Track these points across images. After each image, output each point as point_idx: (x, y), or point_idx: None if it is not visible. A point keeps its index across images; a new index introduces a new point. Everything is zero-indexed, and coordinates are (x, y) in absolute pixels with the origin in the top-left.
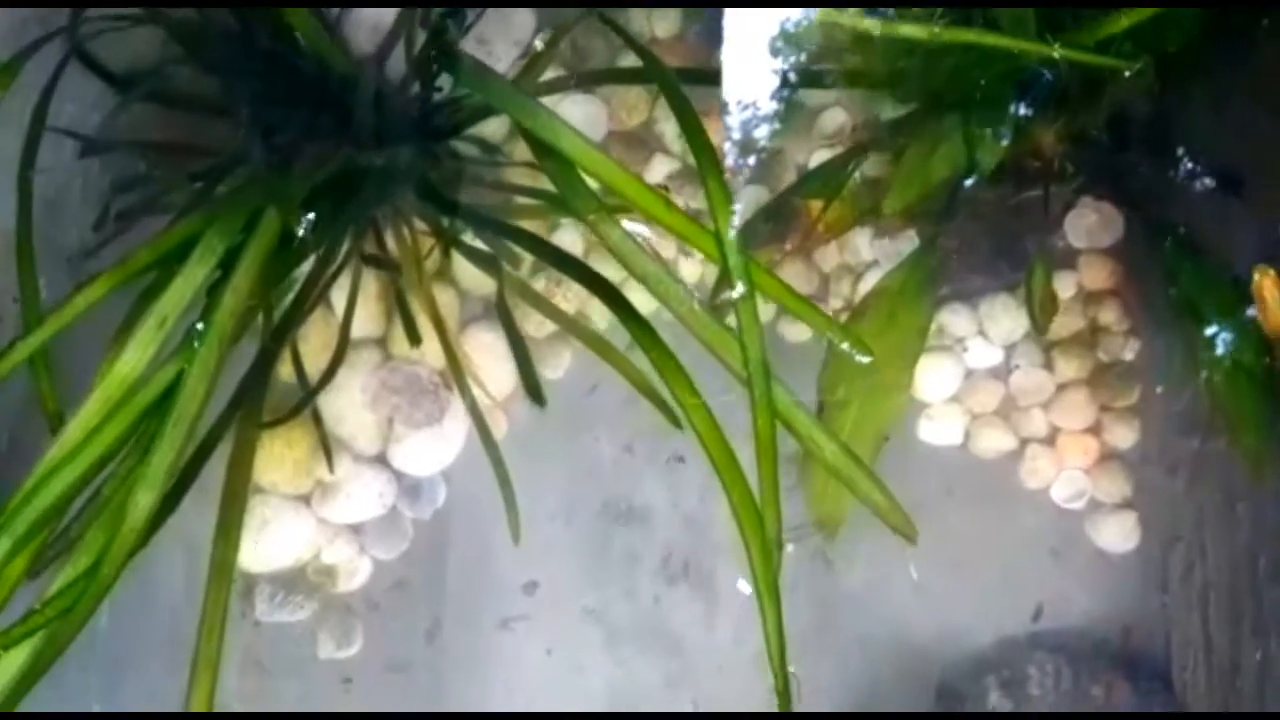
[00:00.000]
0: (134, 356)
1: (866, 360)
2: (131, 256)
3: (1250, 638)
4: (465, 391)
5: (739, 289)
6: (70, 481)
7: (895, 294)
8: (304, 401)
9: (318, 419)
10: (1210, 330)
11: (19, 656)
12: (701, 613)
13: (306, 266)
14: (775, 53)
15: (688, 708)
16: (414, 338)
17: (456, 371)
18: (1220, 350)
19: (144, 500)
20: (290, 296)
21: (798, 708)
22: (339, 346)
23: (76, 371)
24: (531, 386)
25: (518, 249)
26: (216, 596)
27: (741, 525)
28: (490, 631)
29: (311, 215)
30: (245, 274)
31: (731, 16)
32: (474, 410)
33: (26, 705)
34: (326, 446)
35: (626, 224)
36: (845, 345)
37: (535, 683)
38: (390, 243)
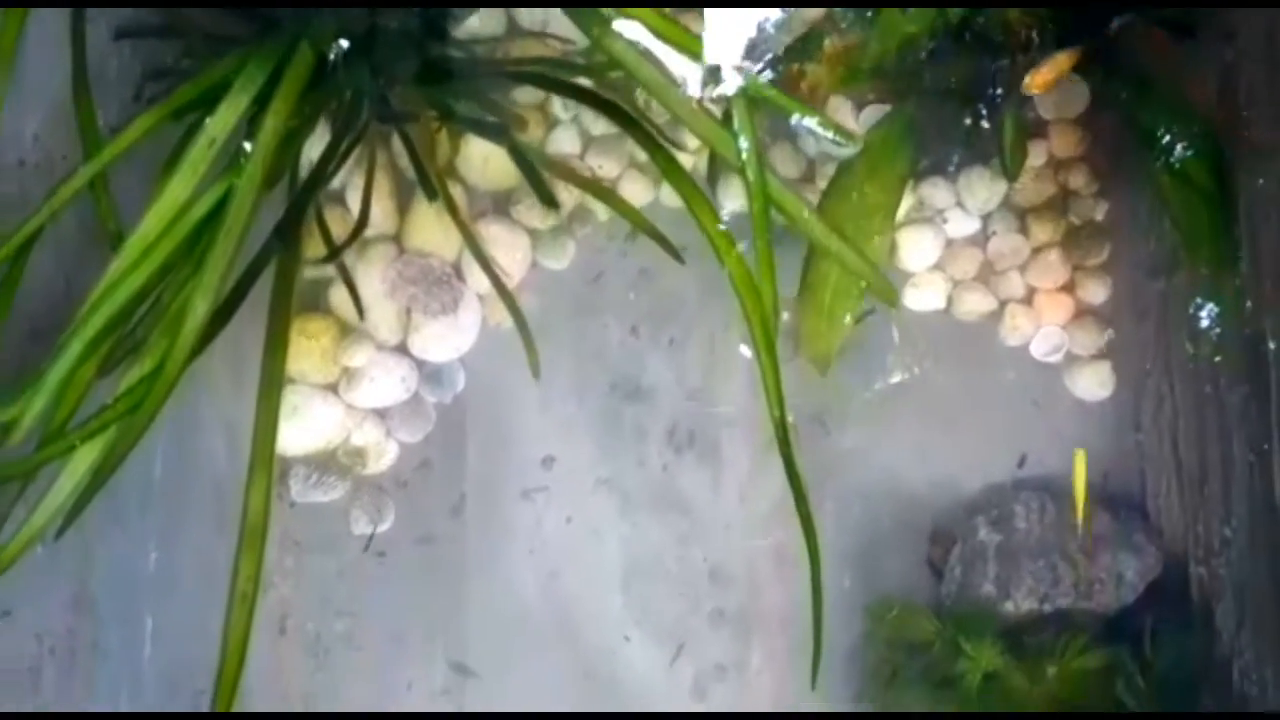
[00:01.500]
0: (186, 175)
1: (852, 150)
2: (179, 91)
3: (1215, 443)
4: (481, 260)
5: (730, 82)
6: (133, 291)
7: (876, 148)
8: (339, 250)
9: (350, 286)
10: (1165, 153)
11: (93, 452)
12: (708, 478)
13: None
14: None
15: (699, 564)
16: (431, 192)
17: (472, 245)
18: (1174, 164)
19: (201, 306)
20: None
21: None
22: (364, 204)
23: (130, 204)
24: (545, 197)
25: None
26: (268, 404)
27: (743, 300)
28: (512, 503)
29: (344, 42)
30: (284, 98)
31: None
32: (488, 269)
33: (96, 532)
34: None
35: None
36: (830, 135)
37: (556, 548)
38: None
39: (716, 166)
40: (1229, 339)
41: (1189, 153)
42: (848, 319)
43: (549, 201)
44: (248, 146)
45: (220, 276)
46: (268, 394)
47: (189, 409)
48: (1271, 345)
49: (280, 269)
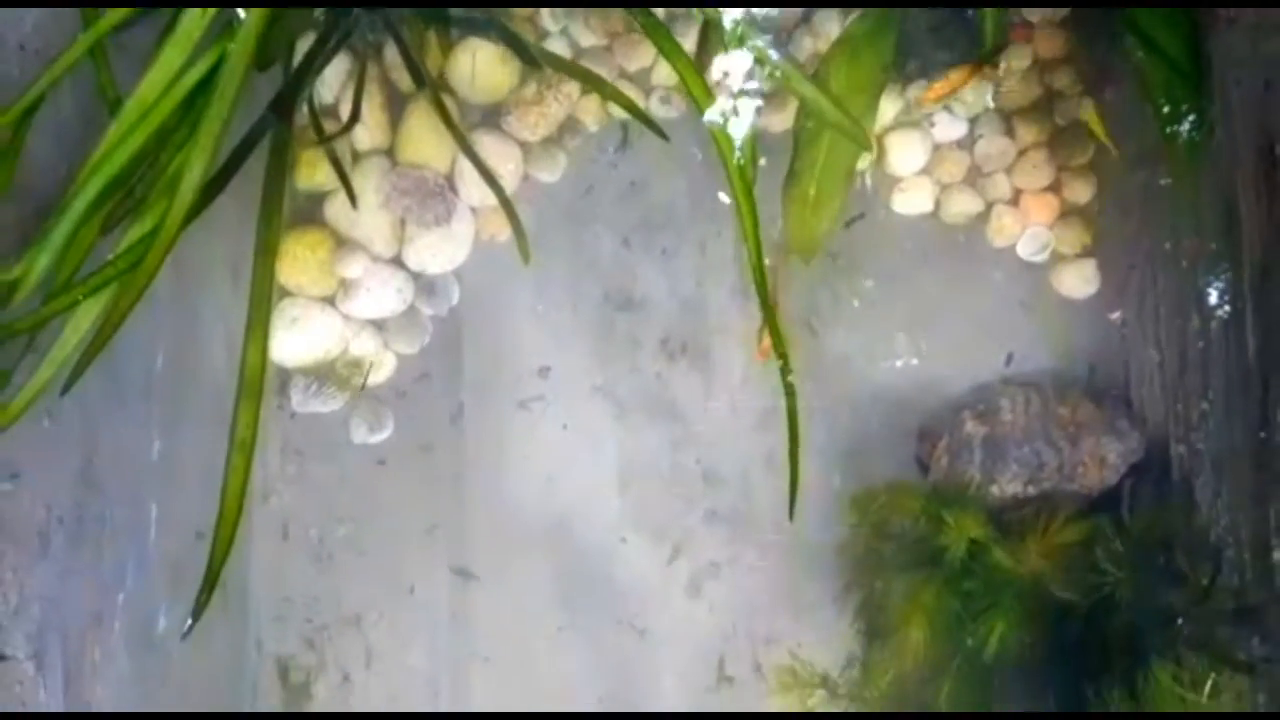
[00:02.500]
0: (181, 42)
1: None
2: None
3: (1196, 331)
4: (477, 163)
5: None
6: (131, 153)
7: (857, 36)
8: (333, 136)
9: (342, 176)
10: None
11: (95, 306)
12: (700, 384)
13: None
14: None
15: (692, 468)
16: (420, 81)
17: (466, 149)
18: (1149, 38)
19: (197, 167)
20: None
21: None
22: (355, 101)
23: (129, 84)
24: (528, 59)
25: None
26: (264, 261)
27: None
28: (509, 413)
29: None
30: None
31: None
32: (484, 172)
33: (100, 412)
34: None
35: None
36: None
37: (554, 455)
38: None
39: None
40: (1205, 229)
41: (1162, 27)
42: (834, 209)
43: (532, 62)
44: (241, 14)
45: (215, 139)
46: (264, 251)
47: (189, 311)
48: (1242, 206)
49: (275, 144)
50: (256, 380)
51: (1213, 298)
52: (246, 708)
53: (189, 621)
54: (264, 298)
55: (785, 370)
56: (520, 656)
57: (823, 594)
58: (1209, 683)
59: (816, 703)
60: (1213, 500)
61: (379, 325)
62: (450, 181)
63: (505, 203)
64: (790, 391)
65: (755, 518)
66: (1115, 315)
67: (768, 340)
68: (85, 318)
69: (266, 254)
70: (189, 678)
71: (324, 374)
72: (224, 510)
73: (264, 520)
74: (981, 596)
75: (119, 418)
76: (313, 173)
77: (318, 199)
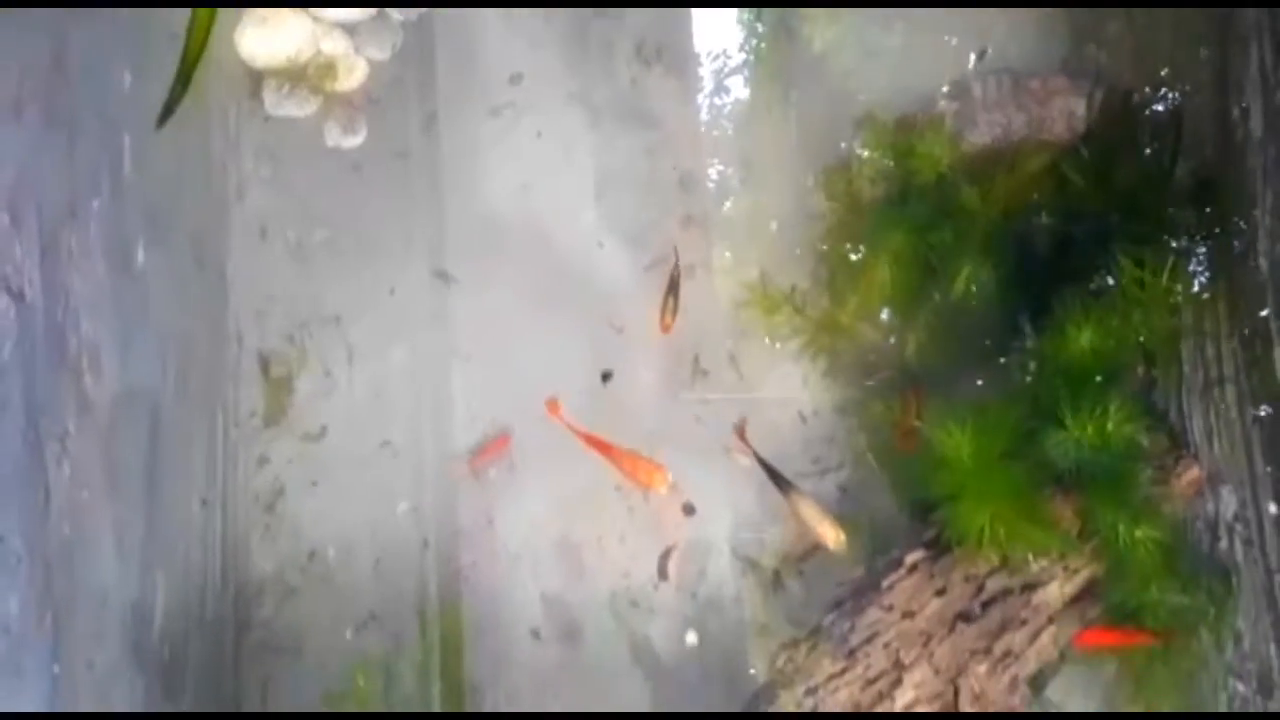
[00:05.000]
0: None
1: None
2: None
3: None
4: None
5: None
6: None
7: None
8: None
9: None
10: None
11: None
12: (676, 90)
13: None
14: None
15: (669, 174)
16: None
17: None
18: None
19: None
20: None
21: None
22: None
23: None
24: None
25: None
26: None
27: None
28: (482, 120)
29: None
30: None
31: None
32: None
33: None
34: None
35: None
36: None
37: (528, 162)
38: None
39: None
40: None
41: None
42: None
43: None
44: None
45: None
46: None
47: None
48: None
49: None
50: None
51: None
52: (230, 398)
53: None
54: None
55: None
56: (499, 355)
57: (796, 269)
58: (1168, 265)
59: (782, 321)
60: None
61: (349, 29)
62: None
63: None
64: None
65: (730, 222)
66: None
67: None
68: None
69: None
70: (169, 330)
71: (296, 76)
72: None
73: (241, 219)
74: (950, 245)
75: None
76: None
77: None
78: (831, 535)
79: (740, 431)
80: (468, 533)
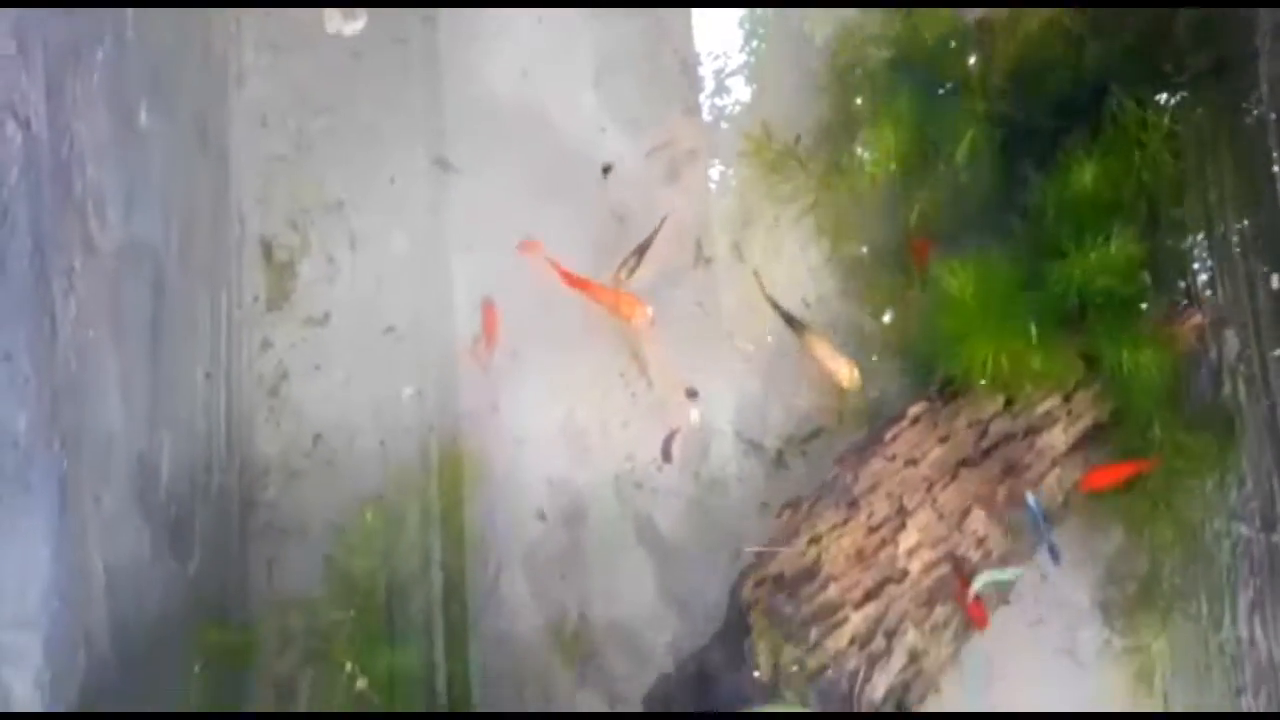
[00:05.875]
0: None
1: None
2: None
3: None
4: None
5: None
6: None
7: None
8: None
9: None
10: None
11: None
12: None
13: None
14: None
15: (670, 59)
16: None
17: None
18: None
19: None
20: None
21: None
22: None
23: None
24: None
25: None
26: None
27: None
28: (482, 5)
29: None
30: None
31: None
32: None
33: None
34: None
35: None
36: None
37: (528, 50)
38: None
39: None
40: None
41: None
42: None
43: None
44: None
45: None
46: None
47: None
48: None
49: None
50: None
51: None
52: (233, 279)
53: None
54: None
55: None
56: (500, 244)
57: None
58: (1171, 105)
59: (784, 179)
60: None
61: None
62: None
63: None
64: None
65: (731, 106)
66: None
67: None
68: None
69: None
70: (172, 196)
71: None
72: None
73: (242, 107)
74: (954, 109)
75: None
76: None
77: None
78: (845, 373)
79: (759, 281)
80: (472, 418)
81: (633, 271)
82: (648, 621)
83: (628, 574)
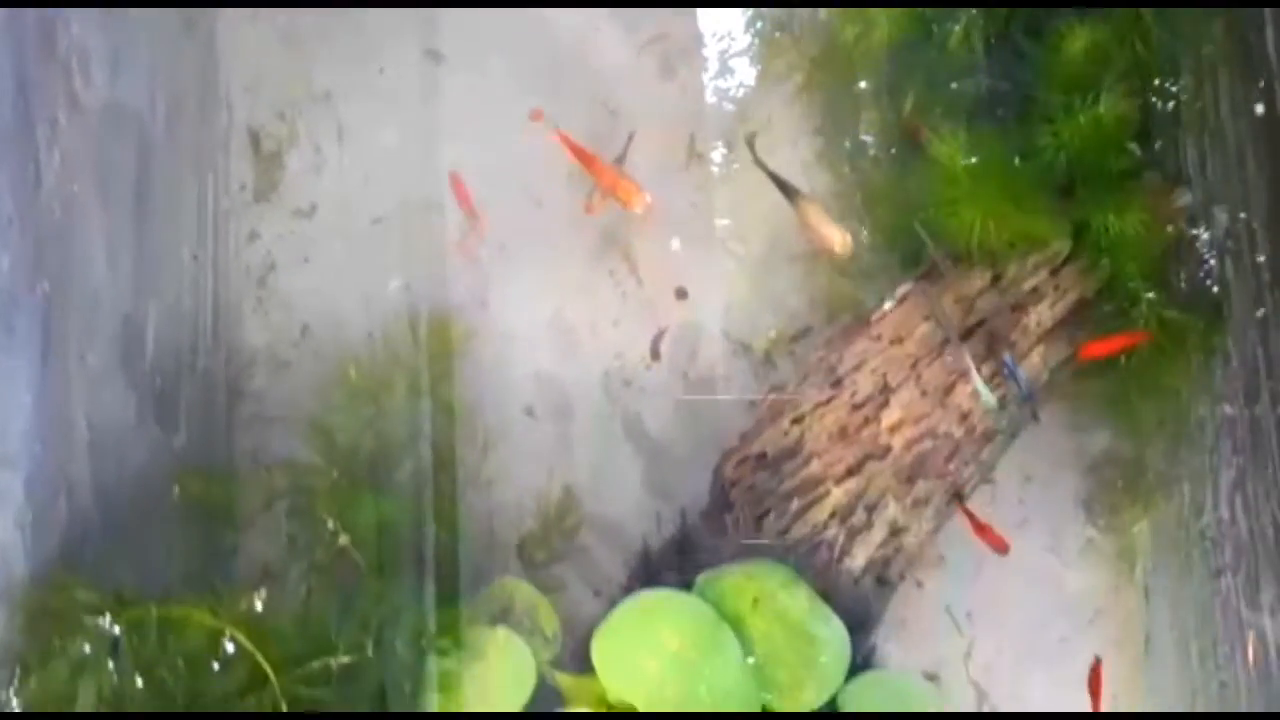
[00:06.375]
0: None
1: None
2: None
3: None
4: None
5: None
6: None
7: None
8: None
9: None
10: None
11: None
12: None
13: None
14: None
15: None
16: None
17: None
18: None
19: None
20: None
21: None
22: None
23: None
24: None
25: None
26: None
27: None
28: None
29: None
30: None
31: None
32: None
33: None
34: None
35: None
36: None
37: None
38: None
39: None
40: None
41: None
42: None
43: None
44: None
45: None
46: None
47: None
48: None
49: None
50: None
51: None
52: (220, 167)
53: None
54: None
55: None
56: (490, 136)
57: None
58: None
59: (777, 54)
60: None
61: None
62: None
63: None
64: None
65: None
66: None
67: None
68: None
69: None
70: (158, 69)
71: None
72: None
73: None
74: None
75: None
76: None
77: None
78: (838, 238)
79: (750, 141)
80: (460, 312)
81: (604, 197)
82: (632, 512)
83: (614, 469)
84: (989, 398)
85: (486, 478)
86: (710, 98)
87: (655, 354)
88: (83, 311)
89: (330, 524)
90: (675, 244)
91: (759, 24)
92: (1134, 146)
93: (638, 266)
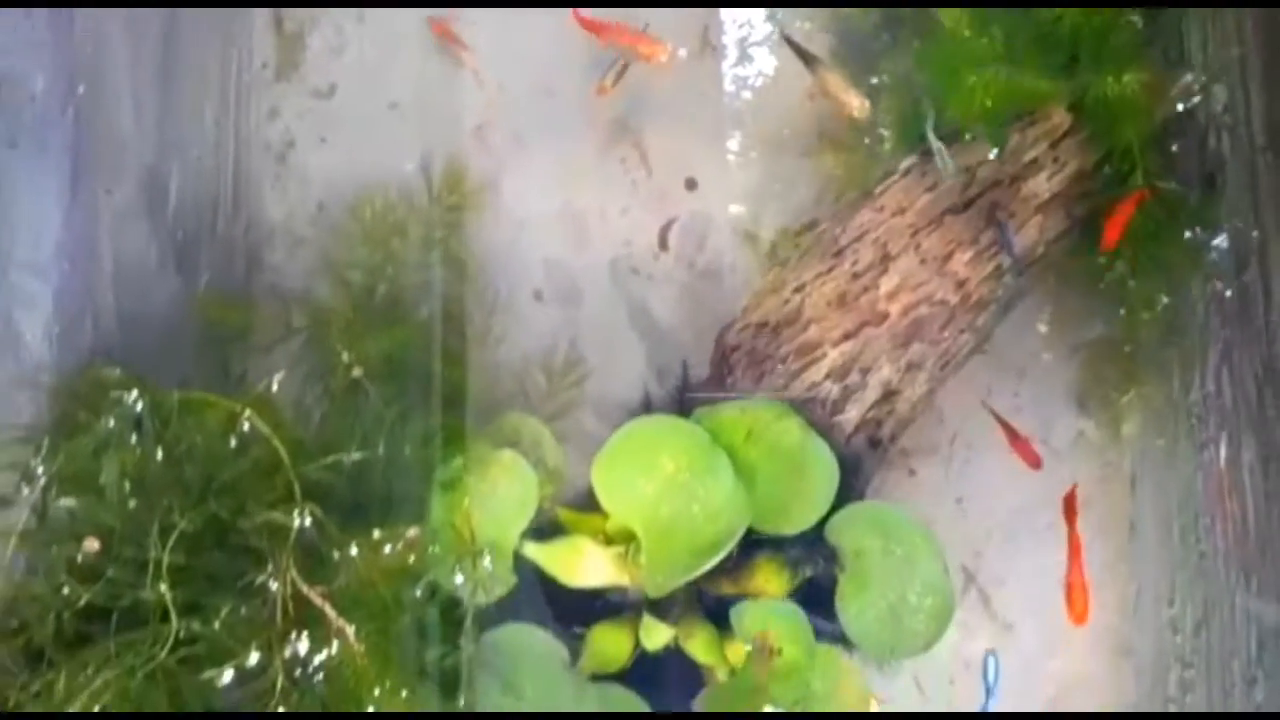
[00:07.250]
0: None
1: None
2: None
3: None
4: None
5: None
6: None
7: None
8: None
9: None
10: None
11: None
12: None
13: None
14: None
15: None
16: None
17: None
18: None
19: None
20: None
21: None
22: None
23: None
24: None
25: None
26: None
27: None
28: None
29: None
30: None
31: None
32: None
33: None
34: None
35: None
36: None
37: None
38: None
39: None
40: None
41: None
42: None
43: None
44: None
45: None
46: None
47: None
48: None
49: None
50: None
51: None
52: (242, 41)
53: None
54: None
55: None
56: (506, 25)
57: None
58: None
59: None
60: None
61: None
62: None
63: None
64: None
65: None
66: None
67: None
68: None
69: None
70: None
71: None
72: None
73: None
74: None
75: None
76: None
77: None
78: (857, 103)
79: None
80: (474, 195)
81: (617, 79)
82: (635, 394)
83: (619, 354)
84: (947, 163)
85: (495, 338)
86: None
87: (664, 244)
88: (110, 150)
89: (344, 356)
90: (686, 134)
91: None
92: (1136, 19)
93: (648, 156)
